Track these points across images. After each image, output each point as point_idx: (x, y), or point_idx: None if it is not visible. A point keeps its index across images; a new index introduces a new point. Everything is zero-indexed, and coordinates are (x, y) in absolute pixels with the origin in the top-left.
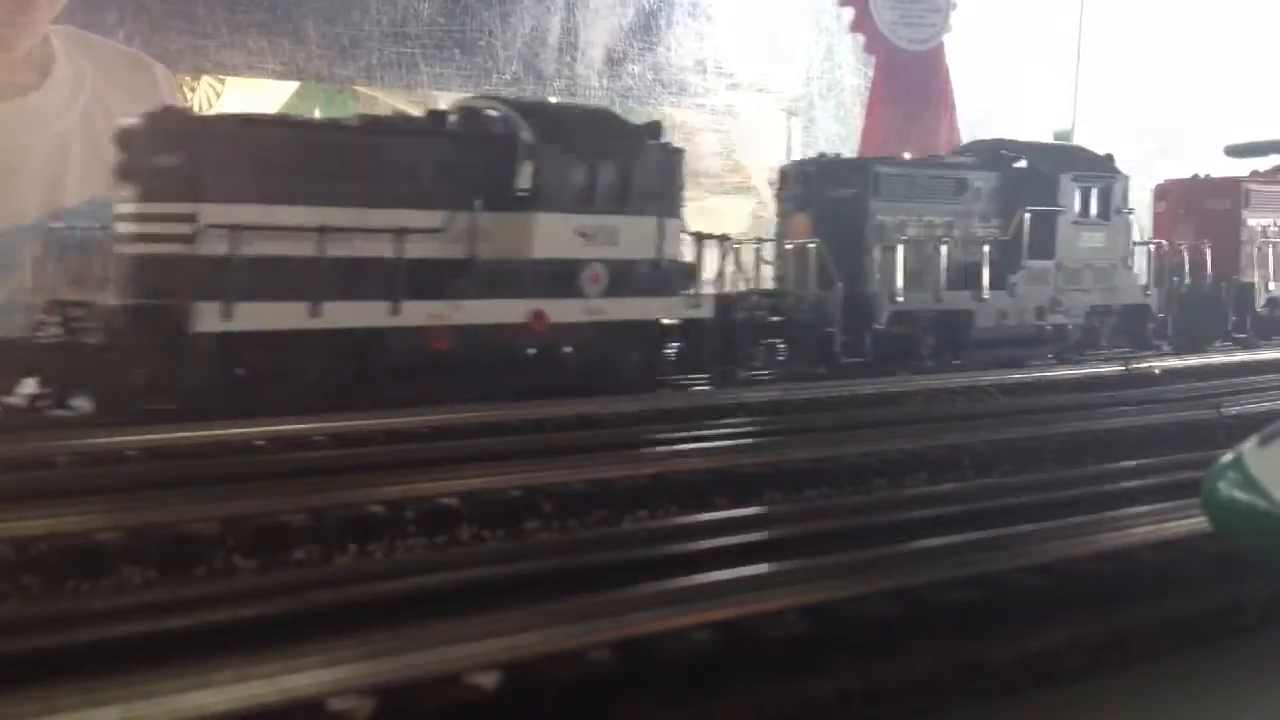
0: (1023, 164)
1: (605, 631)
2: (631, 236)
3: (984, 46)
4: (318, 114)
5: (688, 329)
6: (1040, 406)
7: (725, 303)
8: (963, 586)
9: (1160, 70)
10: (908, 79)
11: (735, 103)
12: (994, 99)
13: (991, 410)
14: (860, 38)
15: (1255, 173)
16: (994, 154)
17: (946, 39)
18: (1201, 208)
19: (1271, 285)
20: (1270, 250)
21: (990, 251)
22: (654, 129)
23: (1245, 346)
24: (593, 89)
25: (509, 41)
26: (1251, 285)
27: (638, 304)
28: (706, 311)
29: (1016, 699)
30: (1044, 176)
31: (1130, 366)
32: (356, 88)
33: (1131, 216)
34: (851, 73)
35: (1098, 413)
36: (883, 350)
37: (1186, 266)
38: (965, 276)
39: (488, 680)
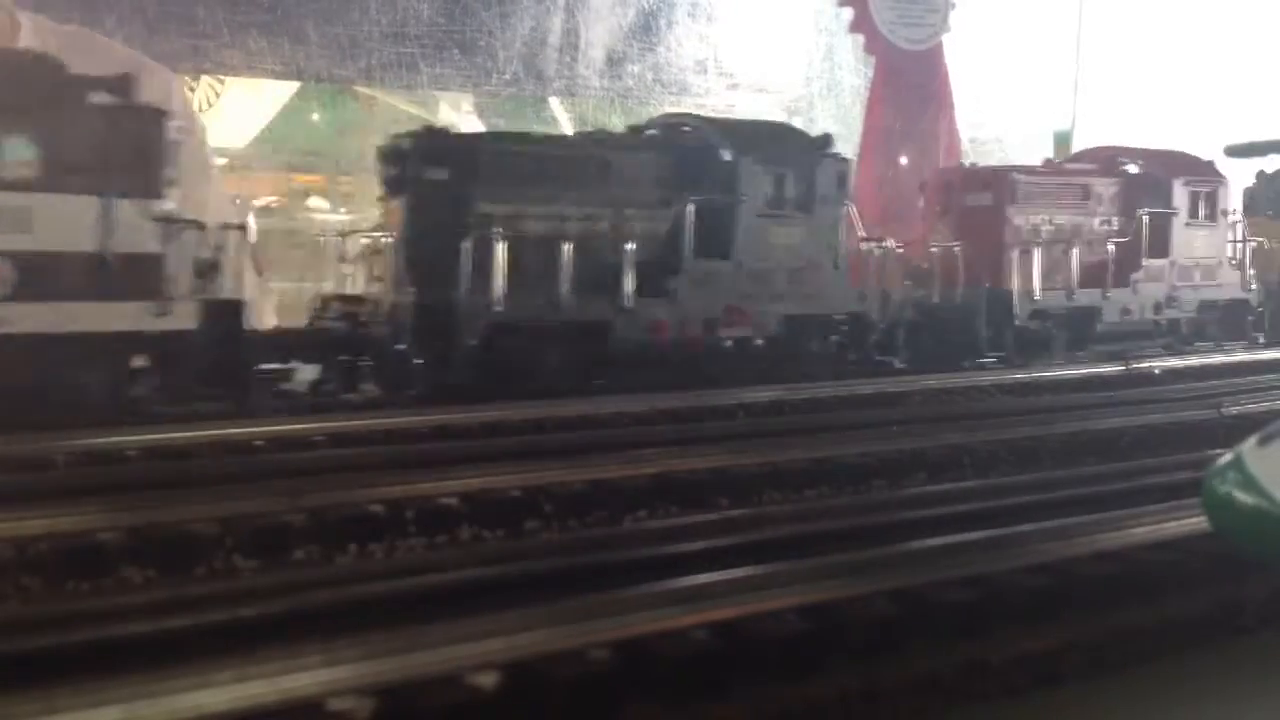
0: (703, 145)
1: (605, 631)
2: (55, 221)
3: (984, 46)
4: (315, 116)
5: (165, 345)
6: (1040, 406)
7: (225, 311)
8: (961, 586)
9: (1161, 70)
10: (907, 79)
11: (735, 103)
12: (994, 99)
13: (991, 410)
14: (860, 38)
15: (1049, 160)
16: (667, 132)
17: (946, 39)
18: (961, 203)
19: (1039, 294)
20: (1038, 253)
21: (635, 250)
22: (118, 84)
23: (1007, 366)
24: (593, 89)
25: (509, 42)
26: (1010, 294)
27: (63, 311)
28: (184, 322)
29: (1016, 699)
30: (724, 160)
31: (1130, 366)
32: (356, 88)
33: (846, 209)
34: (851, 73)
35: (1097, 412)
36: (482, 371)
37: (936, 271)
38: (610, 281)
39: (488, 680)
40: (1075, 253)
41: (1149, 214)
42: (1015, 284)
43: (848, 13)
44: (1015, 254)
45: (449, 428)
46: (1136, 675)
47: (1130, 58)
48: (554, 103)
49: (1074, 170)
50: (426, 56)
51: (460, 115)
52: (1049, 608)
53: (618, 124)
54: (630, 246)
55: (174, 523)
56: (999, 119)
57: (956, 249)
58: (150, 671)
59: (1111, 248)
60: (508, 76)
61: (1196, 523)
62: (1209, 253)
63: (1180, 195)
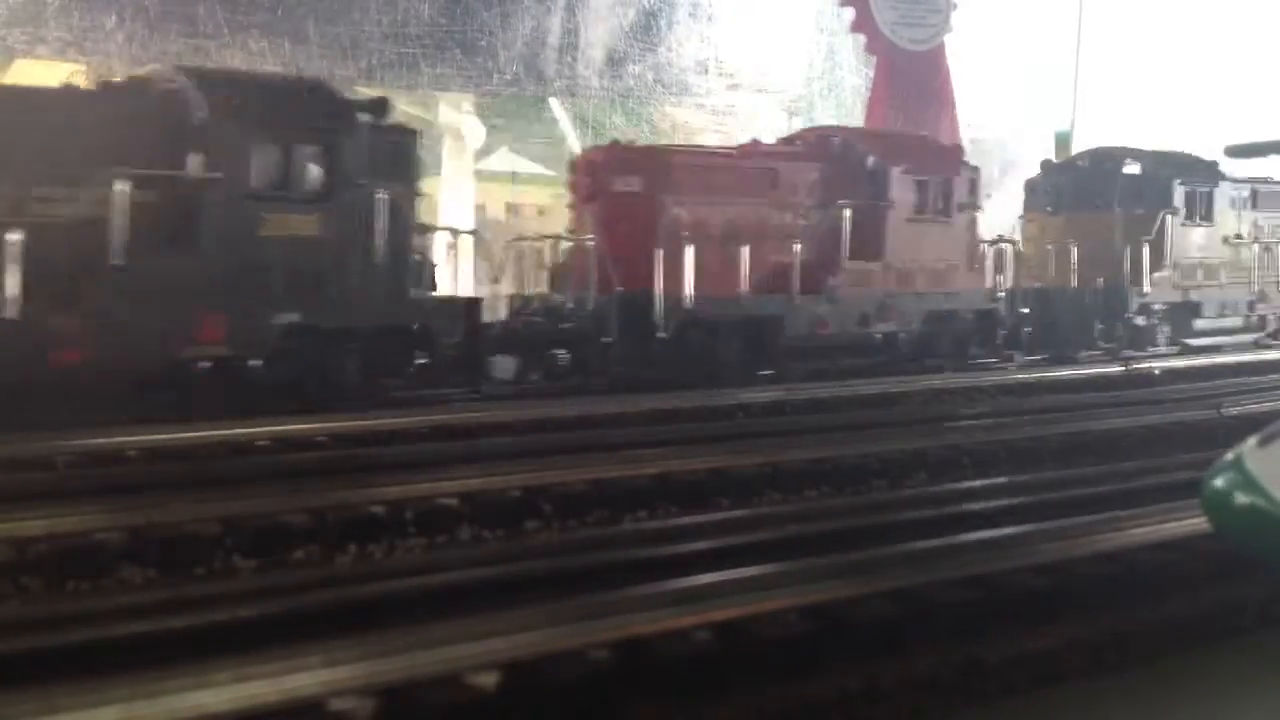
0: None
1: (605, 632)
2: None
3: (985, 46)
4: None
5: None
6: (1040, 407)
7: None
8: (962, 587)
9: (1161, 69)
10: (909, 79)
11: (736, 103)
12: (996, 99)
13: (991, 410)
14: (861, 38)
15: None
16: (134, 86)
17: (947, 39)
18: (609, 188)
19: (689, 300)
20: (691, 250)
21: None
22: None
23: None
24: (593, 89)
25: (509, 42)
26: (650, 300)
27: None
28: None
29: (1016, 699)
30: (196, 123)
31: (1130, 367)
32: (357, 88)
33: (383, 197)
34: (852, 73)
35: (1097, 413)
36: None
37: (573, 270)
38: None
39: (488, 680)
40: (746, 251)
41: (852, 206)
42: (666, 286)
43: (849, 13)
44: (667, 250)
45: (449, 428)
46: (1136, 675)
47: (1131, 58)
48: (554, 103)
49: (756, 153)
50: (427, 56)
51: (461, 115)
52: (1049, 608)
53: (619, 124)
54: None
55: (174, 523)
56: (1000, 119)
57: (590, 243)
58: (150, 671)
59: (798, 247)
60: (509, 77)
61: (1196, 523)
62: (942, 254)
63: (900, 185)
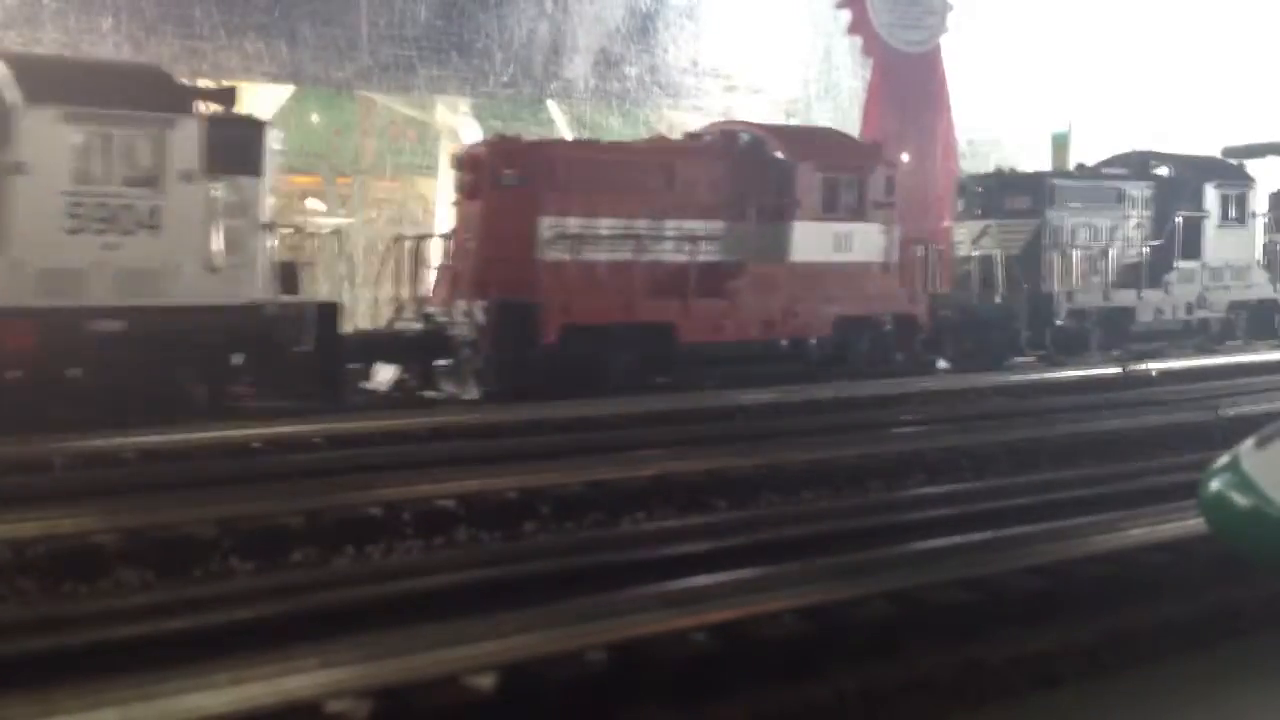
0: None
1: (602, 633)
2: None
3: (982, 48)
4: (315, 118)
5: None
6: (1038, 408)
7: None
8: (959, 588)
9: (1160, 69)
10: (905, 80)
11: (732, 105)
12: (993, 101)
13: (989, 411)
14: (858, 40)
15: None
16: None
17: (944, 40)
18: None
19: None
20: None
21: None
22: None
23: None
24: (589, 91)
25: (506, 44)
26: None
27: None
28: None
29: (1014, 700)
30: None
31: (1128, 368)
32: (356, 90)
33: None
34: (849, 74)
35: (1096, 415)
36: None
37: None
38: None
39: (485, 682)
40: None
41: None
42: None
43: (846, 15)
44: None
45: (447, 429)
46: (1135, 676)
47: (1129, 58)
48: (551, 105)
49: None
50: (423, 58)
51: (458, 117)
52: (1046, 609)
53: (615, 126)
54: None
55: (171, 525)
56: (997, 120)
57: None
58: (148, 673)
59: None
60: (505, 79)
61: (1194, 524)
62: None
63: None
